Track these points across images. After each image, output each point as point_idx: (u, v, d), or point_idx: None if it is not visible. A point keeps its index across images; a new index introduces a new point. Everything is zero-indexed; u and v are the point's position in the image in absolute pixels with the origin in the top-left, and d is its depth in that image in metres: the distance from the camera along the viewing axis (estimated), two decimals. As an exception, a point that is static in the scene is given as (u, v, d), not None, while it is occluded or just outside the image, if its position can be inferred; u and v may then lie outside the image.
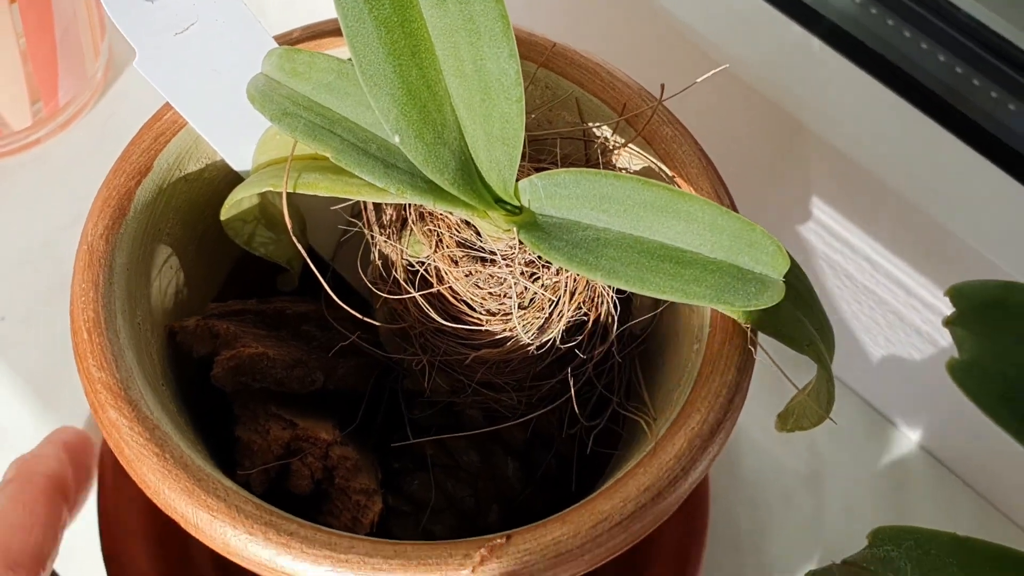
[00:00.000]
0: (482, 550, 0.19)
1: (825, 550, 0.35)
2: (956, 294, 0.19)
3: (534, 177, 0.21)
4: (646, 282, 0.21)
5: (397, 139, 0.21)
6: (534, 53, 0.26)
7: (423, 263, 0.24)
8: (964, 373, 0.18)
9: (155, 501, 0.20)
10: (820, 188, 0.33)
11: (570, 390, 0.24)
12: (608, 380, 0.25)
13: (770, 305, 0.21)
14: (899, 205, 0.31)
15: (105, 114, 0.42)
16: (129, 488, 0.31)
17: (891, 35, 0.32)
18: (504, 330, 0.24)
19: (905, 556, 0.20)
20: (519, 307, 0.24)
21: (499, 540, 0.20)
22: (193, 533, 0.20)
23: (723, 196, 0.24)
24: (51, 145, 0.40)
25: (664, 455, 0.21)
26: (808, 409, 0.25)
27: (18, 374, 0.36)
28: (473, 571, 0.19)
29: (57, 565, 0.34)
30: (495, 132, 0.21)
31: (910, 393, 0.35)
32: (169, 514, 0.20)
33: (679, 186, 0.24)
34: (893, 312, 0.34)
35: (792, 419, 0.26)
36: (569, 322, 0.24)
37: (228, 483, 0.20)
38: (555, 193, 0.21)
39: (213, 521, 0.19)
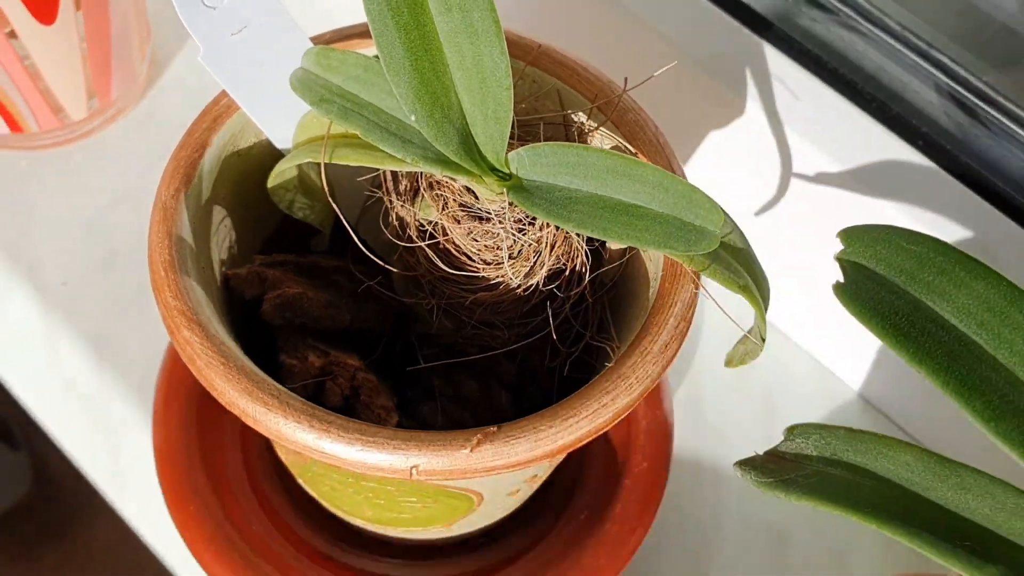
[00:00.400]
0: (478, 435, 0.25)
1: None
2: (845, 234, 0.24)
3: (521, 149, 0.27)
4: (608, 231, 0.26)
5: (413, 118, 0.26)
6: (523, 53, 0.32)
7: (432, 223, 0.30)
8: (847, 295, 0.24)
9: (221, 400, 0.26)
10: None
11: (551, 326, 0.30)
12: (583, 319, 0.31)
13: (707, 251, 0.26)
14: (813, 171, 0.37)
15: (146, 110, 0.47)
16: (178, 419, 0.37)
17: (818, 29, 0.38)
18: (497, 276, 0.30)
19: (812, 446, 0.26)
20: (509, 257, 0.29)
21: (492, 429, 0.25)
22: (251, 424, 0.25)
23: (674, 165, 0.29)
24: (102, 135, 0.46)
25: (621, 367, 0.26)
26: (750, 346, 0.31)
27: (79, 331, 0.41)
28: (471, 451, 0.25)
29: (113, 493, 0.39)
30: (490, 113, 0.26)
31: (849, 347, 0.41)
32: (232, 410, 0.26)
33: (639, 158, 0.30)
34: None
35: (737, 357, 0.31)
36: (550, 270, 0.29)
37: (279, 387, 0.26)
38: (537, 161, 0.27)
39: (268, 414, 0.25)
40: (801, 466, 0.25)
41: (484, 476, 0.25)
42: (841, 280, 0.24)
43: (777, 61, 0.37)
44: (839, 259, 0.24)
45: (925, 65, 0.37)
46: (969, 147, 0.36)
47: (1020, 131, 0.35)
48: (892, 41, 0.37)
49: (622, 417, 0.26)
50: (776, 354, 0.43)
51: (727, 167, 0.39)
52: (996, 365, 0.22)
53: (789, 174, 0.37)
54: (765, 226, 0.40)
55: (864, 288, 0.23)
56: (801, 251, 0.40)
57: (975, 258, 0.23)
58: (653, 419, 0.38)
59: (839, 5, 0.37)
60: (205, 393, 0.36)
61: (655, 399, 0.38)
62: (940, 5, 0.38)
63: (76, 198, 0.44)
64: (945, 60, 0.36)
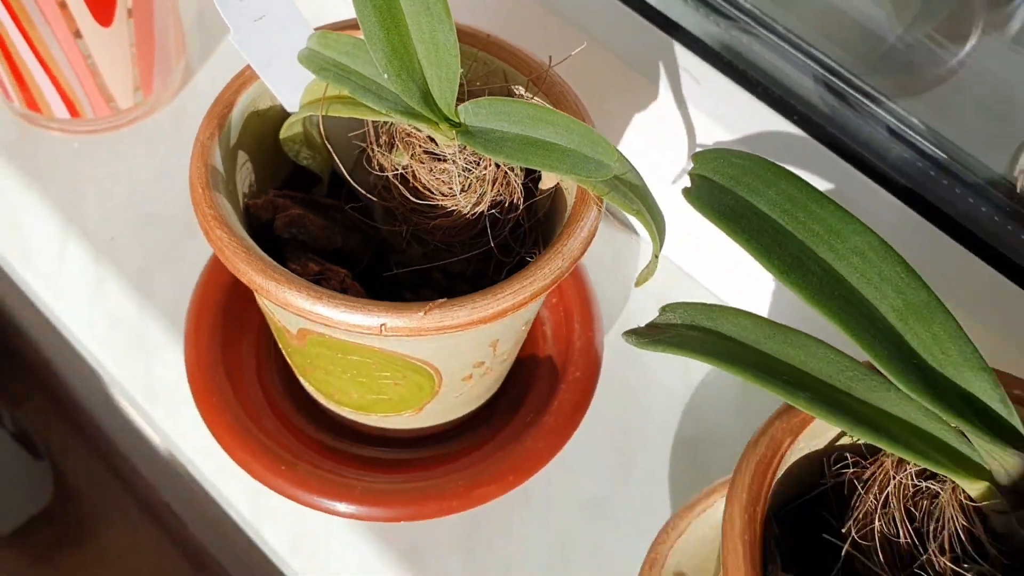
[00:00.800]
0: (431, 304, 0.34)
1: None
2: (695, 156, 0.34)
3: (467, 103, 0.36)
4: (529, 160, 0.35)
5: (386, 77, 0.36)
6: (476, 41, 0.41)
7: (404, 166, 0.39)
8: (692, 197, 0.33)
9: (243, 279, 0.35)
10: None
11: (491, 244, 0.39)
12: (521, 241, 0.40)
13: (605, 179, 0.36)
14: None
15: (179, 106, 0.57)
16: (205, 339, 0.46)
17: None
18: (452, 205, 0.39)
19: (678, 317, 0.35)
20: (461, 190, 0.39)
21: (442, 300, 0.34)
22: (266, 296, 0.34)
23: (586, 117, 0.39)
24: (144, 123, 0.56)
25: (539, 261, 0.35)
26: (652, 265, 0.40)
27: (123, 276, 0.51)
28: (425, 314, 0.34)
29: (148, 406, 0.48)
30: (443, 75, 0.36)
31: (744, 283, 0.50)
32: (252, 287, 0.35)
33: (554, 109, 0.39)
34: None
35: (642, 277, 0.40)
36: (492, 200, 0.39)
37: (287, 270, 0.35)
38: (478, 112, 0.36)
39: (279, 287, 0.34)
40: (669, 330, 0.34)
41: (436, 336, 0.34)
42: (689, 187, 0.33)
43: (684, 56, 0.47)
44: (690, 175, 0.33)
45: (801, 57, 0.46)
46: (834, 121, 0.45)
47: (874, 107, 0.45)
48: (775, 39, 0.46)
49: (539, 297, 0.35)
50: (690, 297, 0.52)
51: (646, 141, 0.49)
52: (793, 239, 0.31)
53: (694, 145, 0.47)
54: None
55: (704, 192, 0.33)
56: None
57: (782, 166, 0.32)
58: (586, 340, 0.47)
59: (734, 11, 0.47)
60: (226, 318, 0.46)
61: (588, 325, 0.47)
62: (813, 12, 0.47)
63: (122, 173, 0.54)
64: (816, 53, 0.46)
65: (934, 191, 0.44)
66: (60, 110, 0.52)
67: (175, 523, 1.64)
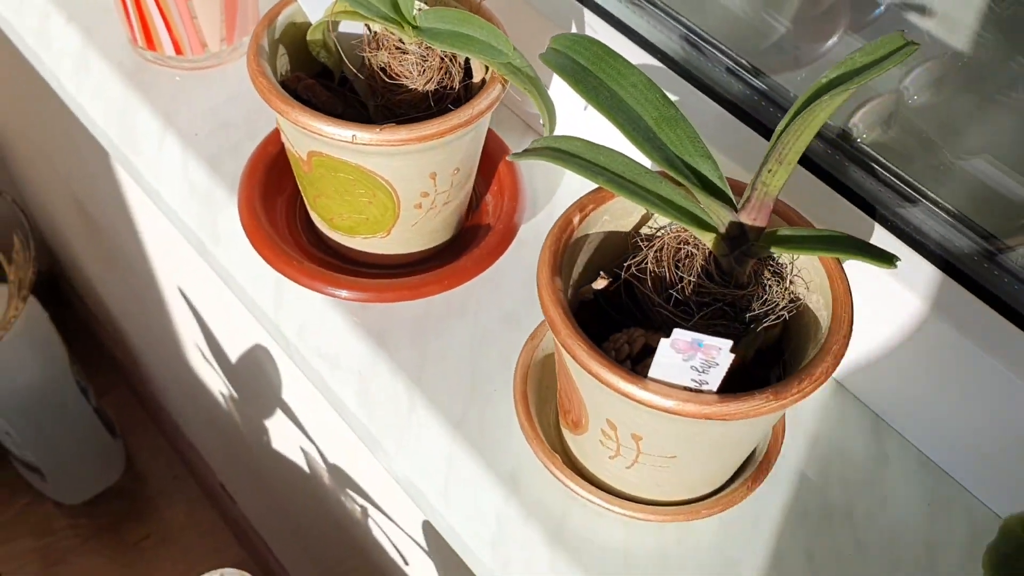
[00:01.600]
0: (384, 125, 0.55)
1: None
2: (552, 38, 0.54)
3: (422, 10, 0.57)
4: (455, 46, 0.56)
5: (371, -7, 0.57)
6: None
7: (385, 62, 0.60)
8: (548, 61, 0.53)
9: (273, 107, 0.56)
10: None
11: (434, 108, 0.59)
12: (457, 103, 0.60)
13: (504, 63, 0.56)
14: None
15: (253, 60, 0.79)
16: (256, 192, 0.68)
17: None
18: (412, 85, 0.59)
19: (542, 144, 0.54)
20: (419, 74, 0.59)
21: (392, 124, 0.55)
22: (286, 116, 0.55)
23: (497, 24, 0.59)
24: (225, 66, 0.78)
25: (457, 111, 0.56)
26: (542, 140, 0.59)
27: (200, 158, 0.72)
28: (380, 130, 0.54)
29: (211, 245, 0.70)
30: (406, -7, 0.57)
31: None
32: (280, 112, 0.56)
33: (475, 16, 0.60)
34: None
35: (522, 152, 0.60)
36: (438, 82, 0.59)
37: (300, 103, 0.56)
38: (427, 16, 0.57)
39: (294, 111, 0.55)
40: (534, 152, 0.54)
41: (388, 150, 0.55)
42: (544, 54, 0.53)
43: (590, 16, 0.68)
44: (548, 49, 0.53)
45: (707, 47, 0.66)
46: (688, 62, 0.65)
47: (756, 81, 0.65)
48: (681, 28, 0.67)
49: (451, 132, 0.55)
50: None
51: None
52: (599, 79, 0.51)
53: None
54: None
55: (552, 57, 0.53)
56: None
57: (598, 39, 0.52)
58: (510, 211, 0.66)
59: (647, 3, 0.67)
60: (265, 186, 0.67)
61: (513, 205, 0.67)
62: (722, 18, 0.68)
63: (206, 95, 0.76)
64: (720, 45, 0.66)
65: (755, 111, 0.63)
66: (169, 49, 0.75)
67: (227, 502, 1.85)
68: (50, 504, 1.89)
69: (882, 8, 0.66)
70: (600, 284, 0.51)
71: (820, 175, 0.61)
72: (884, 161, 0.60)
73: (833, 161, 0.61)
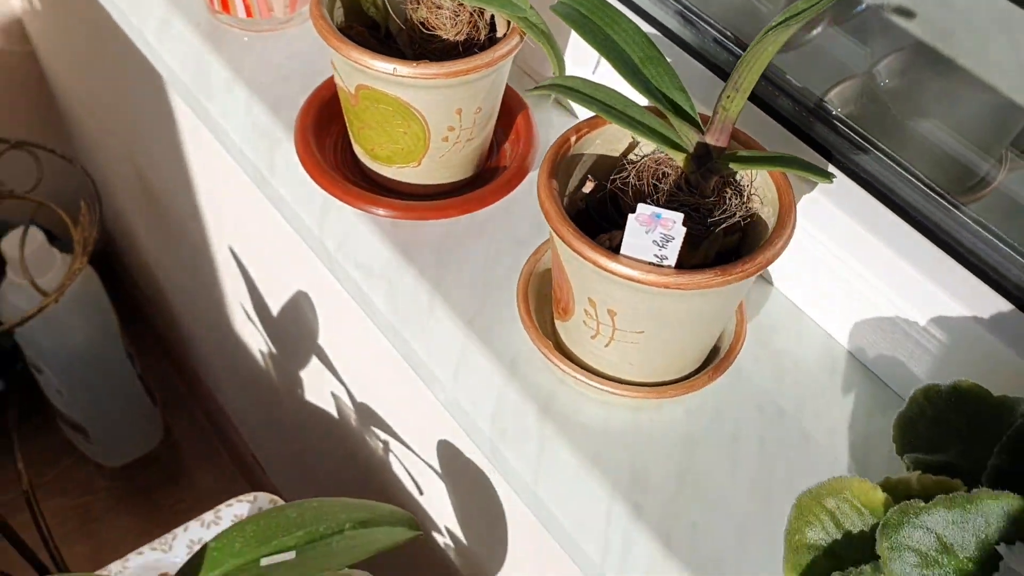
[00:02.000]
0: (421, 61, 0.66)
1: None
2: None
3: (456, -26, 0.69)
4: (481, 1, 0.67)
5: (415, -44, 0.69)
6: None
7: (424, 18, 0.72)
8: (558, 11, 0.64)
9: (327, 41, 0.67)
10: None
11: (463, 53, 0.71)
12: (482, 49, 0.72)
13: (520, 15, 0.67)
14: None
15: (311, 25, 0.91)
16: (310, 130, 0.79)
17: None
18: (445, 36, 0.71)
19: (559, 81, 0.65)
20: (452, 27, 0.71)
21: (427, 61, 0.66)
22: (339, 51, 0.67)
23: (521, -6, 0.71)
24: (288, 31, 0.90)
25: (481, 54, 0.67)
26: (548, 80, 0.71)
27: (264, 103, 0.84)
28: (417, 65, 0.66)
29: (268, 174, 0.82)
30: (445, -43, 0.69)
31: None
32: (333, 47, 0.67)
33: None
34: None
35: (536, 88, 0.72)
36: (467, 35, 0.71)
37: (353, 42, 0.67)
38: (461, -22, 0.69)
39: (347, 47, 0.67)
40: (550, 87, 0.65)
41: (424, 83, 0.66)
42: (554, 5, 0.64)
43: None
44: (558, 2, 0.65)
45: (699, 22, 0.77)
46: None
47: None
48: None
49: (474, 72, 0.67)
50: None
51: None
52: (597, 26, 0.62)
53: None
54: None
55: (564, 10, 0.64)
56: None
57: (610, 4, 0.63)
58: (524, 153, 0.77)
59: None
60: (317, 125, 0.79)
61: (527, 150, 0.78)
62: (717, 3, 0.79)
63: (271, 53, 0.88)
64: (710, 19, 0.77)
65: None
66: (241, 12, 0.87)
67: (259, 472, 1.96)
68: (92, 466, 2.01)
69: (863, 6, 0.77)
70: (588, 187, 0.62)
71: (788, 127, 0.71)
72: (844, 118, 0.70)
73: (801, 117, 0.71)
